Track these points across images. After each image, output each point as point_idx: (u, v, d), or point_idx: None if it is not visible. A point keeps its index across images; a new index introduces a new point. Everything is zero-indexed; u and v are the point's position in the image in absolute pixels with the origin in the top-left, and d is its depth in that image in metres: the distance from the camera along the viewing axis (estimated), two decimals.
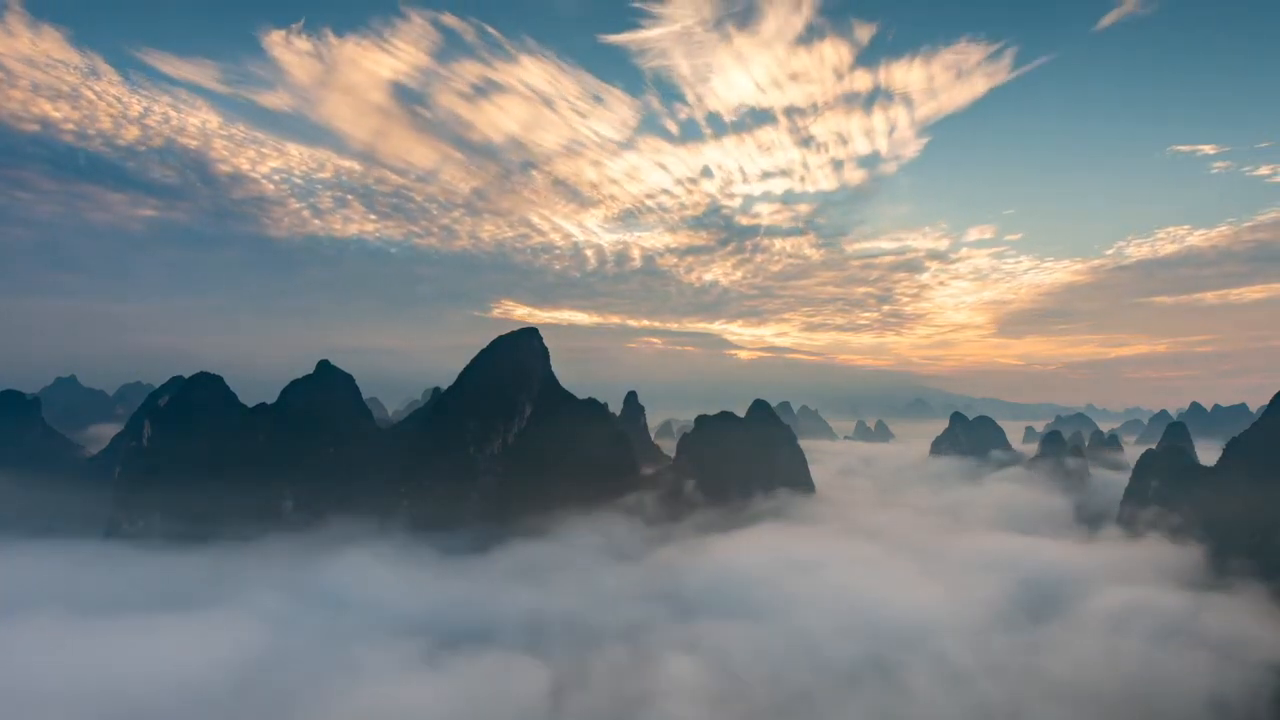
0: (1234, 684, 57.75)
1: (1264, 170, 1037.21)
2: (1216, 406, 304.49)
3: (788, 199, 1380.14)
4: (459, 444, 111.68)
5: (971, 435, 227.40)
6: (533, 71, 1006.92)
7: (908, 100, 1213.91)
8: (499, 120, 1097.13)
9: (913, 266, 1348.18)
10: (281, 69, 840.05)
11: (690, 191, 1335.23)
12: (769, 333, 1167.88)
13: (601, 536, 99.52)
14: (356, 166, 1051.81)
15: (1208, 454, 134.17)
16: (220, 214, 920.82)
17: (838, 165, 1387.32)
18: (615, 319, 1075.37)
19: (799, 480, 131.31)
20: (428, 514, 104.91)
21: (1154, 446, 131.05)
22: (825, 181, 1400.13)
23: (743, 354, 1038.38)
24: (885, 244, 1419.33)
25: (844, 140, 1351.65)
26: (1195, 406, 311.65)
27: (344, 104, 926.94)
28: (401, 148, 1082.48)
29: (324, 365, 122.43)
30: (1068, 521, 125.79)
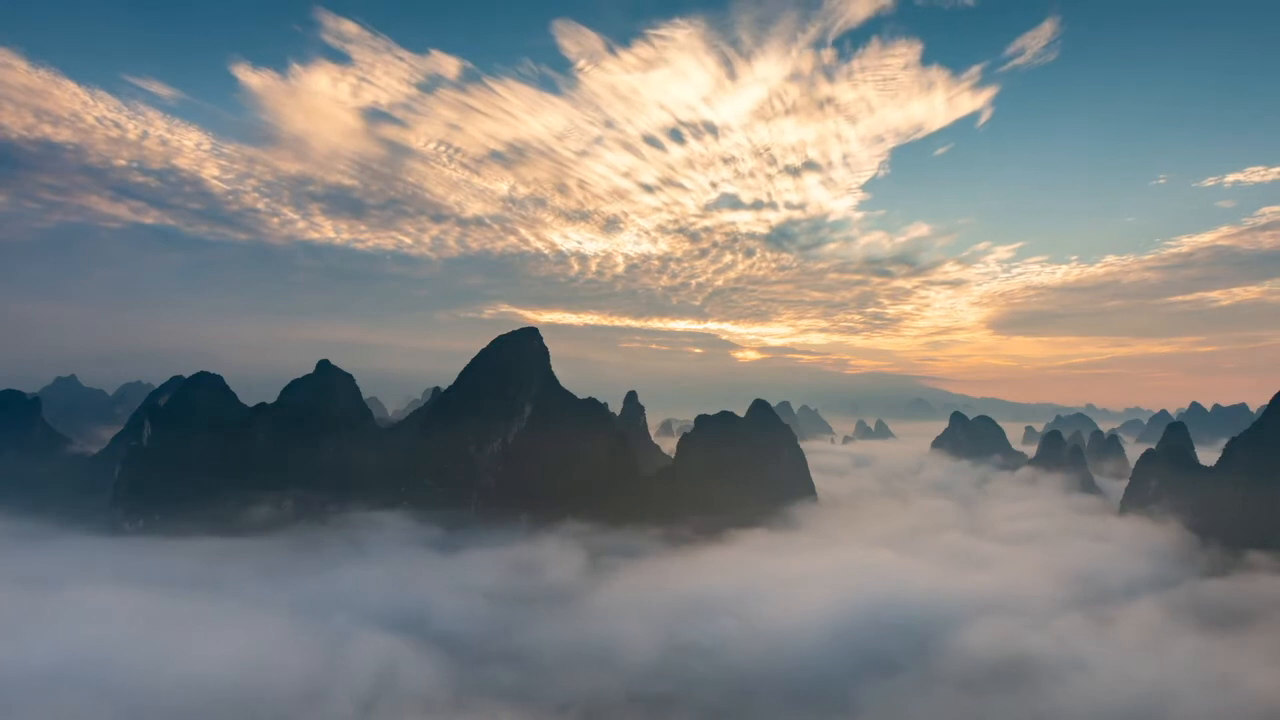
0: (1236, 679, 57.70)
1: (1218, 180, 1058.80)
2: (1216, 406, 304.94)
3: (760, 208, 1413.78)
4: (459, 444, 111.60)
5: (972, 435, 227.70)
6: (513, 98, 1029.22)
7: (859, 119, 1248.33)
8: (483, 139, 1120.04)
9: (891, 273, 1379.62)
10: (262, 96, 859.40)
11: (671, 204, 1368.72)
12: (766, 333, 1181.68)
13: (576, 542, 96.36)
14: (348, 181, 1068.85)
15: (1208, 454, 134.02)
16: (219, 222, 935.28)
17: (806, 179, 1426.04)
18: (608, 321, 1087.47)
19: (799, 484, 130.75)
20: (427, 514, 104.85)
21: (1154, 446, 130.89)
22: (795, 194, 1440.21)
23: (741, 354, 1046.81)
24: (863, 251, 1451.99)
25: (811, 159, 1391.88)
26: (1195, 406, 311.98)
27: (330, 126, 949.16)
28: (390, 166, 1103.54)
29: (324, 365, 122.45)
30: (1068, 522, 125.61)
